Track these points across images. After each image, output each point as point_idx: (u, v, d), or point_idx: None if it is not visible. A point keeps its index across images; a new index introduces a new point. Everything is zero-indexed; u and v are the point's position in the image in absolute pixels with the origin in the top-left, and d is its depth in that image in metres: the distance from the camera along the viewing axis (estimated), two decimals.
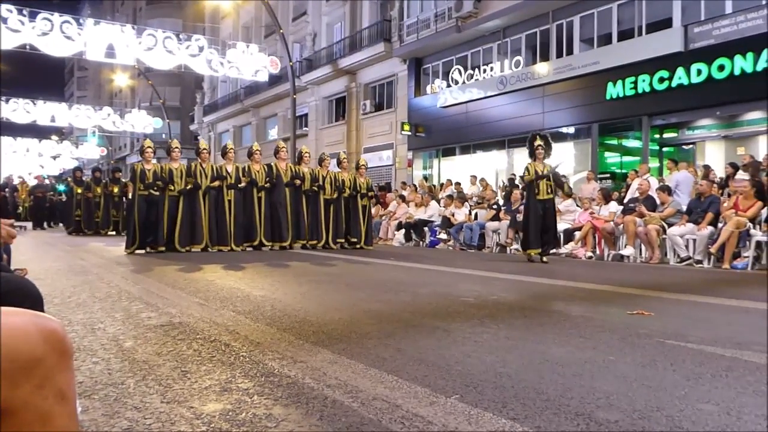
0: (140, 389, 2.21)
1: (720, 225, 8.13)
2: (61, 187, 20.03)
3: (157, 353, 2.77)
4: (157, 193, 9.56)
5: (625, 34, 14.42)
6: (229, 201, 9.90)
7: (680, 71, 12.70)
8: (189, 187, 9.59)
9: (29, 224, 19.28)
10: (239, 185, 9.99)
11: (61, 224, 19.70)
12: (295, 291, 5.02)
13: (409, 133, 20.02)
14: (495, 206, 12.21)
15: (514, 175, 14.17)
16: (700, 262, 8.25)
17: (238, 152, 16.91)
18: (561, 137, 15.33)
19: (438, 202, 13.91)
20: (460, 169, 18.27)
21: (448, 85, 19.02)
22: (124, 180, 16.41)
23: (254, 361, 2.63)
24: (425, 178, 19.82)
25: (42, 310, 1.43)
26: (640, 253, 9.04)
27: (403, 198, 14.92)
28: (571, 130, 15.91)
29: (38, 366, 0.86)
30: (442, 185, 16.83)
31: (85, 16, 26.31)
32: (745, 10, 11.90)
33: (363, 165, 11.84)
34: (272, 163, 10.57)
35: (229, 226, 9.86)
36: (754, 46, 11.49)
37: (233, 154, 10.56)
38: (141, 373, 2.44)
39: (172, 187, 9.53)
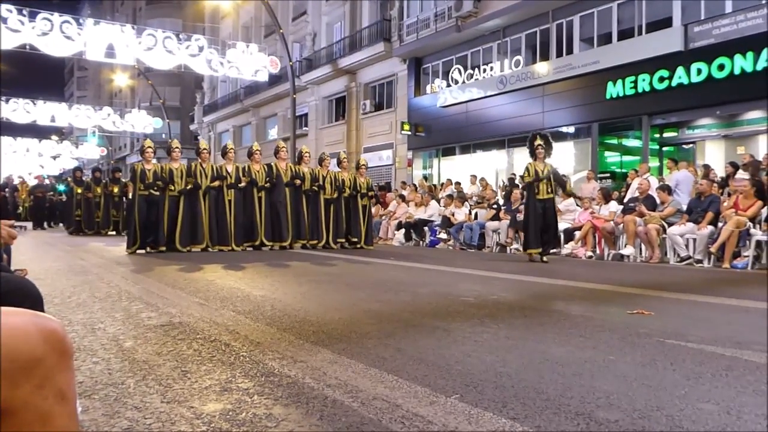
0: (140, 389, 2.21)
1: (720, 224, 8.13)
2: (61, 187, 20.03)
3: (157, 353, 2.77)
4: (158, 193, 9.56)
5: (625, 34, 14.42)
6: (230, 201, 9.91)
7: (680, 70, 12.70)
8: (189, 187, 9.60)
9: (29, 224, 19.29)
10: (239, 185, 9.99)
11: (61, 224, 19.70)
12: (295, 291, 5.02)
13: (409, 133, 20.02)
14: (495, 206, 12.21)
15: (514, 174, 14.17)
16: (700, 261, 8.25)
17: (238, 152, 16.90)
18: (561, 137, 15.32)
19: (438, 201, 13.91)
20: (460, 169, 18.27)
21: (448, 85, 19.02)
22: (124, 180, 16.42)
23: (254, 361, 2.63)
24: (425, 177, 19.82)
25: (42, 310, 1.43)
26: (640, 253, 9.03)
27: (403, 198, 14.92)
28: (571, 129, 15.90)
29: (38, 366, 0.86)
30: (442, 185, 16.82)
31: (85, 16, 26.31)
32: (744, 9, 11.89)
33: (363, 165, 11.84)
34: (272, 163, 10.58)
35: (229, 226, 9.87)
36: (754, 46, 11.48)
37: (233, 154, 10.56)
38: (141, 373, 2.44)
39: (173, 187, 9.53)
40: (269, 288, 5.14)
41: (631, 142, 15.35)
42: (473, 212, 12.62)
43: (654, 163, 14.18)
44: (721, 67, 12.05)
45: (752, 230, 7.76)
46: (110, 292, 4.84)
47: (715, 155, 13.78)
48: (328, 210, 10.94)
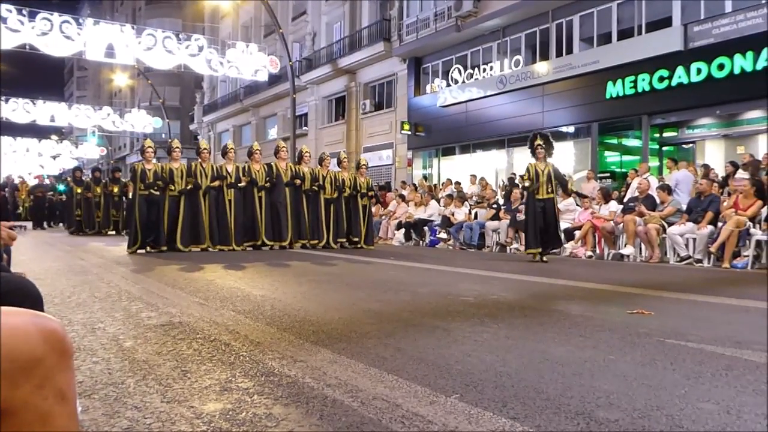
0: (140, 389, 2.21)
1: (720, 224, 8.13)
2: (61, 187, 20.03)
3: (157, 353, 2.77)
4: (158, 193, 9.56)
5: (625, 33, 14.42)
6: (230, 201, 9.91)
7: (680, 70, 12.70)
8: (189, 187, 9.60)
9: (29, 224, 19.29)
10: (239, 185, 9.99)
11: (61, 224, 19.70)
12: (295, 290, 5.02)
13: (409, 133, 20.02)
14: (495, 205, 12.21)
15: (514, 174, 14.17)
16: (699, 261, 8.25)
17: (237, 152, 16.88)
18: (561, 136, 15.32)
19: (438, 201, 13.91)
20: (460, 169, 18.28)
21: (448, 85, 19.02)
22: (123, 180, 16.42)
23: (254, 361, 2.63)
24: (425, 177, 19.82)
25: (42, 310, 1.43)
26: (640, 253, 9.04)
27: (402, 197, 14.92)
28: (571, 129, 15.90)
29: (38, 366, 0.86)
30: (442, 185, 16.83)
31: (85, 16, 26.27)
32: (744, 9, 11.89)
33: (364, 165, 11.84)
34: (272, 163, 10.58)
35: (230, 225, 9.87)
36: (754, 45, 11.48)
37: (233, 154, 10.55)
38: (141, 372, 2.44)
39: (173, 187, 9.53)
40: (269, 288, 5.14)
41: (631, 142, 15.35)
42: (473, 212, 12.62)
43: (654, 162, 14.18)
44: (720, 67, 12.05)
45: (752, 230, 7.76)
46: (110, 291, 4.84)
47: (714, 155, 13.78)
48: (329, 210, 10.94)
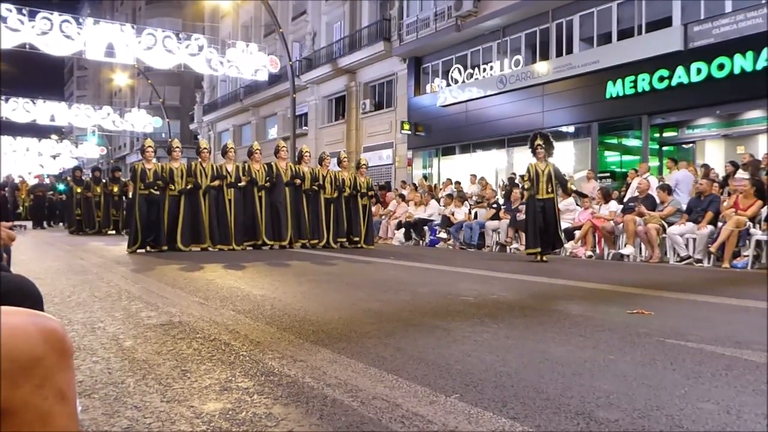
0: (140, 388, 2.21)
1: (720, 224, 8.13)
2: (61, 187, 20.03)
3: (157, 352, 2.77)
4: (158, 193, 9.56)
5: (625, 33, 14.42)
6: (230, 200, 9.91)
7: (680, 70, 12.70)
8: (189, 186, 9.60)
9: (29, 223, 19.30)
10: (239, 184, 9.99)
11: (61, 224, 19.70)
12: (295, 290, 5.02)
13: (409, 132, 20.03)
14: (495, 205, 12.21)
15: (514, 174, 14.18)
16: (699, 261, 8.25)
17: (237, 151, 16.88)
18: (561, 136, 15.32)
19: (438, 201, 13.91)
20: (460, 168, 18.27)
21: (448, 84, 19.02)
22: (123, 179, 16.41)
23: (254, 360, 2.63)
24: (425, 177, 19.81)
25: (42, 310, 1.43)
26: (640, 252, 9.04)
27: (402, 197, 14.92)
28: (571, 129, 15.90)
29: (38, 366, 0.86)
30: (442, 184, 16.83)
31: (85, 16, 26.27)
32: (744, 9, 11.89)
33: (364, 164, 11.83)
34: (272, 163, 10.57)
35: (230, 225, 9.87)
36: (754, 45, 11.49)
37: (233, 154, 10.56)
38: (141, 372, 2.44)
39: (173, 187, 9.53)
40: (269, 287, 5.14)
41: (631, 142, 15.35)
42: (473, 212, 12.62)
43: (654, 162, 14.18)
44: (720, 67, 12.05)
45: (752, 230, 7.76)
46: (110, 291, 4.84)
47: (714, 155, 13.79)
48: (329, 209, 10.94)
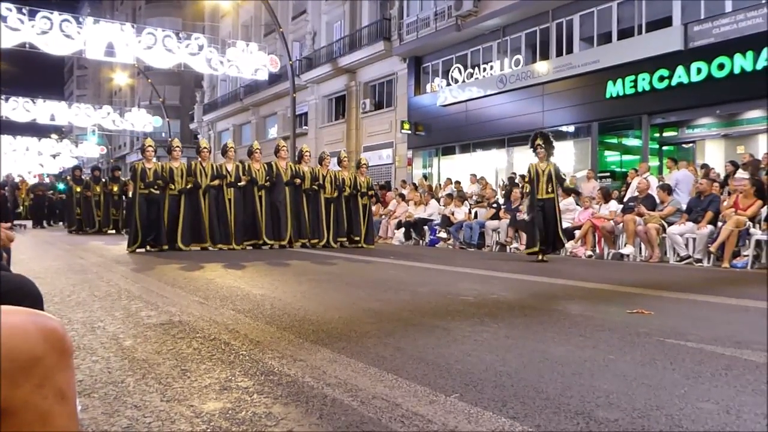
0: (140, 388, 2.21)
1: (720, 224, 8.13)
2: (61, 186, 20.03)
3: (157, 352, 2.77)
4: (158, 192, 9.56)
5: (625, 33, 14.42)
6: (230, 200, 9.91)
7: (680, 70, 12.70)
8: (189, 186, 9.60)
9: (29, 223, 19.29)
10: (239, 184, 9.99)
11: (61, 223, 19.70)
12: (295, 290, 5.02)
13: (409, 132, 20.02)
14: (495, 205, 12.21)
15: (514, 173, 14.18)
16: (699, 260, 8.25)
17: (238, 151, 16.88)
18: (561, 136, 15.31)
19: (438, 200, 13.91)
20: (460, 168, 18.27)
21: (448, 84, 19.01)
22: (123, 179, 16.41)
23: (254, 360, 2.63)
24: (425, 176, 19.81)
25: (42, 309, 1.43)
26: (640, 252, 9.04)
27: (402, 197, 14.92)
28: (571, 128, 15.90)
29: (38, 365, 0.86)
30: (442, 184, 16.83)
31: (85, 15, 26.25)
32: (744, 8, 11.89)
33: (364, 164, 11.83)
34: (272, 162, 10.57)
35: (230, 224, 9.87)
36: (754, 45, 11.48)
37: (233, 153, 10.56)
38: (141, 371, 2.44)
39: (173, 186, 9.53)
40: (269, 287, 5.14)
41: (631, 142, 15.35)
42: (473, 211, 12.62)
43: (654, 162, 14.18)
44: (720, 67, 12.05)
45: (752, 230, 7.76)
46: (110, 290, 4.84)
47: (714, 154, 13.79)
48: (329, 209, 10.94)
